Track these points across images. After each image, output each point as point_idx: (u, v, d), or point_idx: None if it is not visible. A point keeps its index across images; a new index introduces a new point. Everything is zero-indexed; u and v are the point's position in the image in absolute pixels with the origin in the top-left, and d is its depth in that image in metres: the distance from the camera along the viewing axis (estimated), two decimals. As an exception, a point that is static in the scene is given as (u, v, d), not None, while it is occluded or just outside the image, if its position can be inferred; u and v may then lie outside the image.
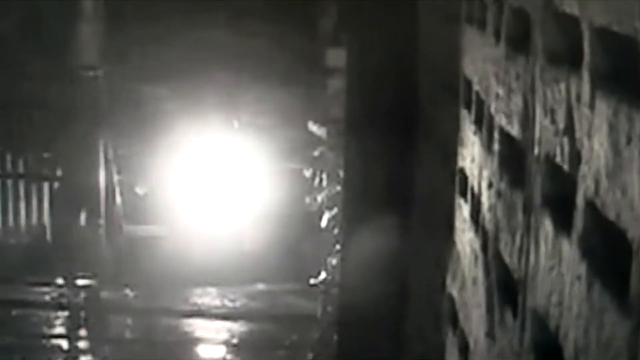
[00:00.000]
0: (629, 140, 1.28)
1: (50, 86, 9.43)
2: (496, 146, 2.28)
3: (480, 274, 2.44)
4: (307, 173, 9.29)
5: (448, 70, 3.52)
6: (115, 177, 9.46)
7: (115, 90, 9.57)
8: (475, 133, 2.71)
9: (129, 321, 8.43)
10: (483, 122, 2.54)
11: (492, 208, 2.31)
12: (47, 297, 8.86)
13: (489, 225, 2.33)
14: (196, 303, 9.02)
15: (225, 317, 8.71)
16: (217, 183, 9.66)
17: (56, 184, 9.40)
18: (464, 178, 2.95)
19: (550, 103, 1.70)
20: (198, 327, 8.53)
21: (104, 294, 8.97)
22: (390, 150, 4.58)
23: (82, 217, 9.24)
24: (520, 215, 1.93)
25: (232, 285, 9.30)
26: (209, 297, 9.19)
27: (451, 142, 3.39)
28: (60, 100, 9.38)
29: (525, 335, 1.82)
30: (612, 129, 1.34)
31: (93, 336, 8.18)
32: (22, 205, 9.72)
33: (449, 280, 3.24)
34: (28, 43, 9.44)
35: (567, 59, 1.63)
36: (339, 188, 7.03)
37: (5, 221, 9.74)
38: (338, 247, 6.54)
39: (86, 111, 9.43)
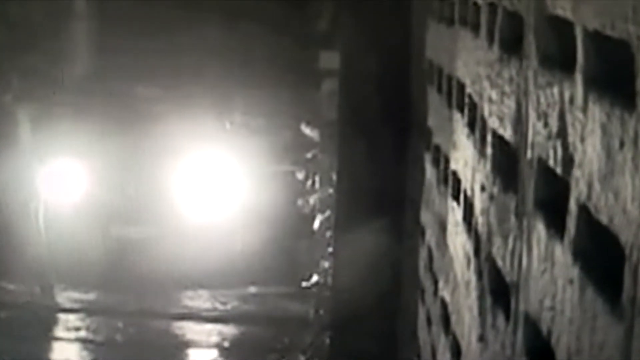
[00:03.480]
0: (621, 144, 1.27)
1: (40, 83, 9.40)
2: (489, 149, 2.28)
3: (472, 277, 2.44)
4: (300, 175, 9.29)
5: (441, 73, 3.51)
6: (103, 177, 9.42)
7: (105, 91, 9.55)
8: (468, 136, 2.70)
9: (119, 324, 8.40)
10: (476, 125, 2.53)
11: (484, 211, 2.30)
12: (38, 300, 8.83)
13: (482, 229, 2.33)
14: (187, 306, 8.99)
15: (216, 320, 8.69)
16: (209, 185, 9.63)
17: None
18: (457, 181, 2.94)
19: (543, 106, 1.70)
20: (189, 330, 8.50)
21: (93, 296, 8.95)
22: (383, 153, 4.58)
23: (70, 216, 9.21)
24: (512, 219, 1.92)
25: (224, 287, 9.28)
26: (200, 300, 9.16)
27: (444, 145, 3.39)
28: (50, 99, 9.36)
29: (517, 339, 1.82)
30: (605, 132, 1.34)
31: (83, 339, 8.15)
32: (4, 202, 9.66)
33: (441, 284, 3.23)
34: (16, 41, 9.41)
35: (560, 62, 1.63)
36: (331, 190, 7.03)
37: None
38: (330, 249, 6.54)
39: (75, 110, 9.41)
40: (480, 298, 2.28)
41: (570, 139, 1.51)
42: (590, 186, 1.39)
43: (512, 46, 2.05)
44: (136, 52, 9.57)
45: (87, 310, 8.73)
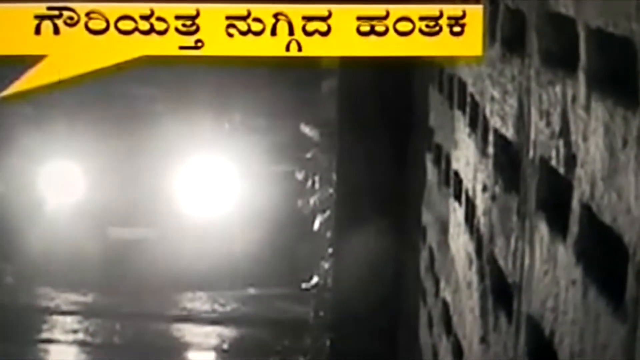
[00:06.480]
0: (625, 143, 1.26)
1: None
2: (491, 149, 2.27)
3: (474, 278, 2.43)
4: (299, 175, 9.27)
5: (442, 72, 3.50)
6: (101, 178, 9.39)
7: (102, 90, 9.51)
8: (469, 135, 2.69)
9: (117, 326, 8.37)
10: (477, 124, 2.52)
11: (486, 211, 2.29)
12: (35, 302, 8.82)
13: (484, 229, 2.32)
14: (186, 307, 8.97)
15: (215, 321, 8.67)
16: (208, 185, 9.61)
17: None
18: (458, 181, 2.93)
19: (545, 105, 1.69)
20: (188, 332, 8.48)
21: (91, 298, 8.93)
22: (383, 153, 4.57)
23: (67, 217, 9.19)
24: (515, 219, 1.91)
25: (223, 289, 9.25)
26: (199, 302, 9.14)
27: (445, 145, 3.38)
28: (45, 98, 9.34)
29: (519, 341, 1.81)
30: (608, 131, 1.33)
31: (81, 341, 8.13)
32: None
33: (442, 284, 3.22)
34: None
35: (562, 60, 1.62)
36: (331, 191, 7.01)
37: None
38: (330, 250, 6.53)
39: (70, 110, 9.39)
40: (482, 299, 2.27)
41: (573, 138, 1.50)
42: (593, 186, 1.38)
43: (513, 44, 2.03)
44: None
45: (85, 312, 8.71)
